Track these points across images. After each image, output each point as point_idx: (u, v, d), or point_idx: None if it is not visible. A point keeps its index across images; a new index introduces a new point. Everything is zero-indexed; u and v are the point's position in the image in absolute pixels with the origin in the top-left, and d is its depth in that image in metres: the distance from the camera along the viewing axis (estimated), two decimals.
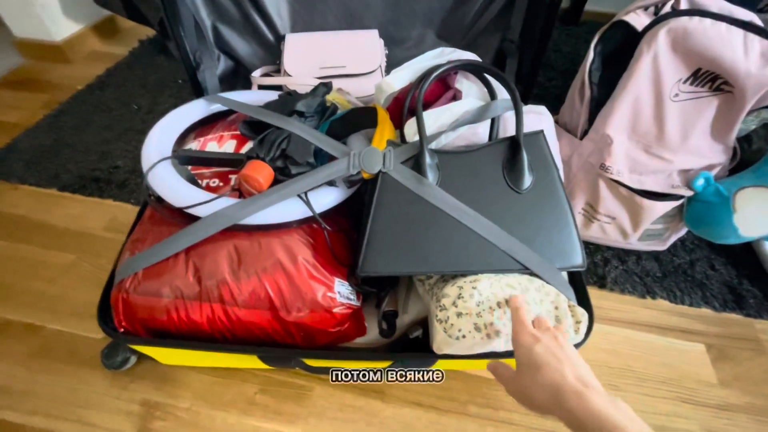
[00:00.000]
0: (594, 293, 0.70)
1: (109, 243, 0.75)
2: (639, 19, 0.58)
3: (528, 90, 0.76)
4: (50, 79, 1.15)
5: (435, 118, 0.54)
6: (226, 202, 0.47)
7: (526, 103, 0.81)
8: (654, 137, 0.60)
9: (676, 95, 0.57)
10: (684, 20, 0.53)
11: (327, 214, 0.52)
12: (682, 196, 0.63)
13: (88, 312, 0.64)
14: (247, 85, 0.84)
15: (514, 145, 0.51)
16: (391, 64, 0.83)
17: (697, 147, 0.60)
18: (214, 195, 0.47)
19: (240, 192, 0.50)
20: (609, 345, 0.64)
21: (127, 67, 1.19)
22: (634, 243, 0.71)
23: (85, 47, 1.25)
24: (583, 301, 0.53)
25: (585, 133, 0.65)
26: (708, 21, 0.52)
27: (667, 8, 0.57)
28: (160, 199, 0.49)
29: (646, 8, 0.60)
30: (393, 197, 0.48)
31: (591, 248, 0.75)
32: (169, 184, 0.48)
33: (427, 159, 0.49)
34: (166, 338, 0.49)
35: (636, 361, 0.63)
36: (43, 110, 1.03)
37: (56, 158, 0.89)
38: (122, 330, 0.49)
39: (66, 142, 0.93)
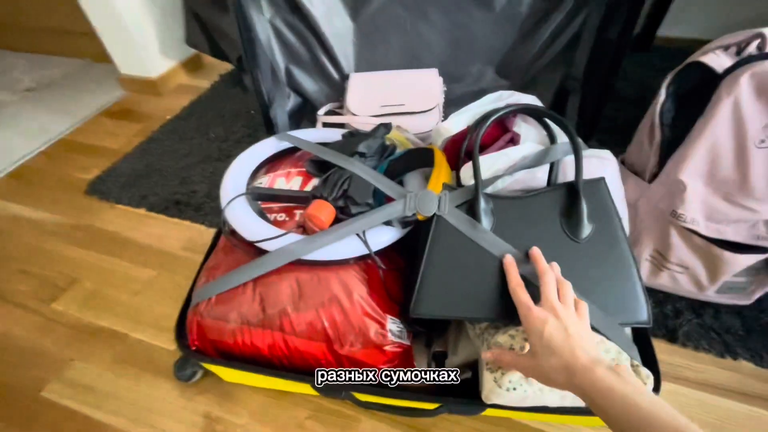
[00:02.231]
0: (663, 347, 0.65)
1: (185, 261, 0.83)
2: (718, 60, 0.55)
3: (591, 129, 0.74)
4: (144, 110, 1.31)
5: (492, 162, 0.54)
6: (292, 238, 0.51)
7: (591, 139, 0.79)
8: (736, 185, 0.55)
9: (763, 141, 0.52)
10: None
11: (382, 251, 0.54)
12: None
13: (164, 325, 0.72)
14: (312, 119, 0.90)
15: (572, 192, 0.50)
16: (450, 100, 0.85)
17: None
18: (281, 231, 0.52)
19: (304, 228, 0.54)
20: (679, 407, 0.57)
21: (208, 99, 1.33)
22: (712, 295, 0.65)
23: (174, 81, 1.42)
24: (649, 361, 0.49)
25: (654, 176, 0.61)
26: None
27: (751, 49, 0.54)
28: (233, 231, 0.54)
29: (726, 48, 0.56)
30: (447, 240, 0.49)
31: (660, 296, 0.70)
32: (243, 219, 0.53)
33: (482, 204, 0.50)
34: (231, 359, 0.54)
35: (711, 429, 0.57)
36: (138, 138, 1.18)
37: (146, 182, 1.02)
38: (194, 348, 0.54)
39: (155, 168, 1.06)
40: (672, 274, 0.64)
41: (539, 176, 0.54)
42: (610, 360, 0.45)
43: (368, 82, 0.81)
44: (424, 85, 0.79)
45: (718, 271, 0.60)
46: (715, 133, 0.54)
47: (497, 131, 0.60)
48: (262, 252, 0.52)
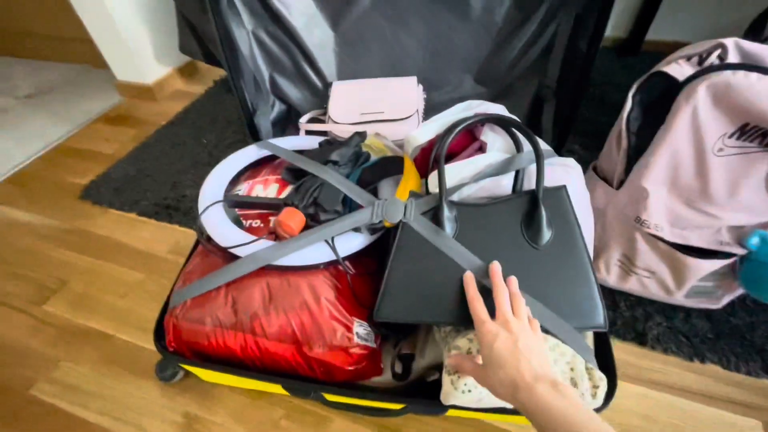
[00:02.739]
0: (632, 350, 0.66)
1: (172, 265, 0.85)
2: (680, 70, 0.56)
3: (564, 136, 0.75)
4: (140, 116, 1.34)
5: (458, 170, 0.56)
6: (263, 244, 0.53)
7: (563, 146, 0.80)
8: (697, 192, 0.57)
9: (721, 150, 0.54)
10: (727, 74, 0.50)
11: (355, 257, 0.56)
12: (732, 254, 0.59)
13: (149, 326, 0.72)
14: (298, 125, 0.93)
15: (533, 200, 0.51)
16: (430, 107, 0.87)
17: (748, 203, 0.56)
18: (253, 237, 0.54)
19: (276, 235, 0.56)
20: (645, 409, 0.60)
21: (202, 104, 1.36)
22: (680, 299, 0.67)
23: (170, 87, 1.45)
24: (608, 364, 0.51)
25: (621, 183, 0.63)
26: (754, 75, 0.49)
27: (713, 59, 0.55)
28: (209, 237, 0.56)
29: (688, 58, 0.57)
30: (412, 247, 0.51)
31: (632, 300, 0.71)
32: (217, 226, 0.56)
33: (446, 211, 0.52)
34: (207, 360, 0.56)
35: (675, 430, 0.58)
36: (133, 143, 1.21)
37: (138, 186, 1.04)
38: (171, 350, 0.56)
39: (147, 173, 1.08)
40: (640, 278, 0.65)
41: (504, 184, 0.56)
42: (564, 364, 0.46)
43: (349, 90, 0.83)
44: (402, 93, 0.81)
45: (683, 276, 0.61)
46: (675, 141, 0.55)
47: (466, 140, 0.62)
48: (236, 257, 0.54)
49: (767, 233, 0.56)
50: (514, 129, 0.58)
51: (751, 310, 0.68)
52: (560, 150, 0.76)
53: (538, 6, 0.70)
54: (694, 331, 0.67)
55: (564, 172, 0.56)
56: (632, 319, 0.69)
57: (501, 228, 0.51)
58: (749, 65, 0.50)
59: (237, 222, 0.59)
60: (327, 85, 0.87)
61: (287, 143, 0.72)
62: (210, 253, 0.57)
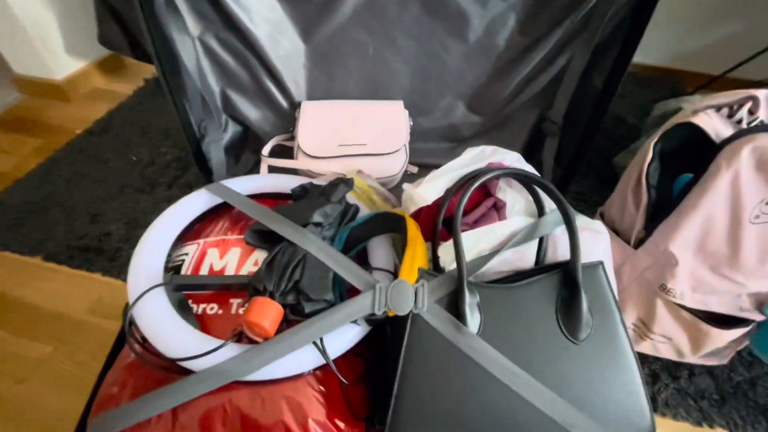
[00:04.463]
0: None
1: (92, 331, 0.66)
2: (711, 123, 0.51)
3: (569, 177, 0.68)
4: (47, 120, 1.08)
5: (476, 240, 0.45)
6: (226, 353, 0.39)
7: (567, 188, 0.73)
8: (725, 258, 0.52)
9: (757, 217, 0.49)
10: None
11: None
12: (752, 321, 0.55)
13: (58, 427, 0.56)
14: (255, 149, 0.77)
15: (568, 280, 0.42)
16: (416, 133, 0.75)
17: None
18: (211, 340, 0.39)
19: (241, 334, 0.41)
20: None
21: (130, 109, 1.12)
22: (690, 359, 0.63)
23: (87, 85, 1.19)
24: None
25: (641, 241, 0.57)
26: None
27: (743, 112, 0.50)
28: (144, 339, 0.41)
29: (717, 109, 0.52)
30: (425, 347, 0.40)
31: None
32: (158, 322, 0.40)
33: (467, 298, 0.41)
34: None
35: None
36: (36, 158, 0.96)
37: (44, 220, 0.82)
38: None
39: (56, 200, 0.86)
40: (654, 344, 0.60)
41: (527, 254, 0.46)
42: None
43: (324, 115, 0.69)
44: (388, 122, 0.69)
45: (701, 344, 0.57)
46: (710, 206, 0.49)
47: (478, 195, 0.52)
48: (186, 369, 0.39)
49: None
50: (536, 187, 0.49)
51: (747, 364, 0.67)
52: (563, 193, 0.69)
53: (549, 32, 0.61)
54: (699, 392, 0.64)
55: (593, 239, 0.48)
56: None
57: (532, 316, 0.42)
58: None
59: (183, 307, 0.44)
60: (294, 105, 0.73)
61: (247, 185, 0.57)
62: (144, 362, 0.41)
